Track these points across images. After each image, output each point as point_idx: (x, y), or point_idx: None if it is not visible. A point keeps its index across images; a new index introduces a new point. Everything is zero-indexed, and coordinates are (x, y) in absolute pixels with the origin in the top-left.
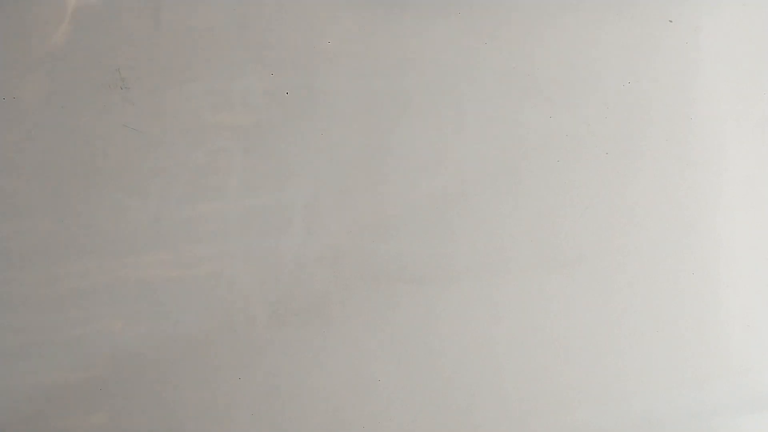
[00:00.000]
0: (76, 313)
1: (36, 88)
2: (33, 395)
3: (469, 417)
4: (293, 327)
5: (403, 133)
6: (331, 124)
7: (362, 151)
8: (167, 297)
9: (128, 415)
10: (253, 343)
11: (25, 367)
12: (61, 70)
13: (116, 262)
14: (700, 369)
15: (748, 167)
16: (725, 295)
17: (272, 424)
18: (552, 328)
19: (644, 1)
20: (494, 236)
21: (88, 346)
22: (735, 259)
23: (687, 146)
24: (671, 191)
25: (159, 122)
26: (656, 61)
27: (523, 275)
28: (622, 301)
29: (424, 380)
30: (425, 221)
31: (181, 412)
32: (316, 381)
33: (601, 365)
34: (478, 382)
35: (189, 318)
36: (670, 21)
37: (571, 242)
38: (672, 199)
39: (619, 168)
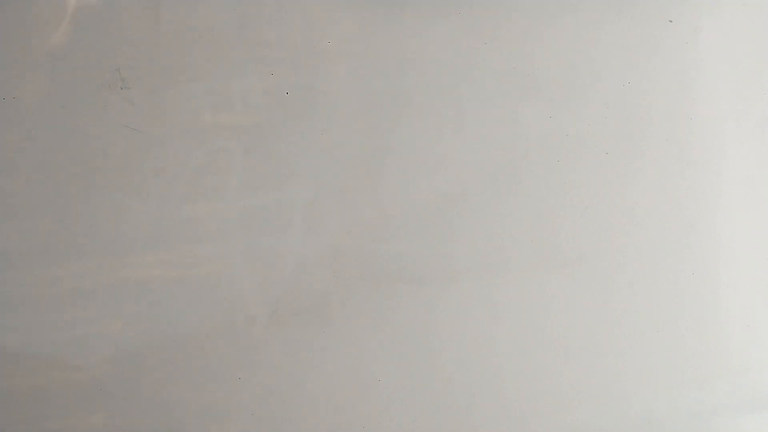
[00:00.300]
0: (76, 313)
1: (36, 88)
2: (33, 395)
3: (469, 417)
4: (293, 327)
5: (403, 133)
6: (331, 124)
7: (362, 151)
8: (167, 297)
9: (128, 415)
10: (253, 343)
11: (25, 367)
12: (61, 70)
13: (116, 262)
14: (700, 369)
15: (748, 167)
16: (725, 295)
17: (272, 424)
18: (552, 328)
19: (644, 1)
20: (494, 236)
21: (88, 346)
22: (735, 259)
23: (687, 146)
24: (671, 191)
25: (159, 122)
26: (656, 61)
27: (523, 275)
28: (622, 301)
29: (424, 380)
30: (425, 221)
31: (181, 412)
32: (316, 381)
33: (601, 365)
34: (478, 382)
35: (189, 318)
36: (670, 21)
37: (571, 242)
38: (672, 199)
39: (619, 168)
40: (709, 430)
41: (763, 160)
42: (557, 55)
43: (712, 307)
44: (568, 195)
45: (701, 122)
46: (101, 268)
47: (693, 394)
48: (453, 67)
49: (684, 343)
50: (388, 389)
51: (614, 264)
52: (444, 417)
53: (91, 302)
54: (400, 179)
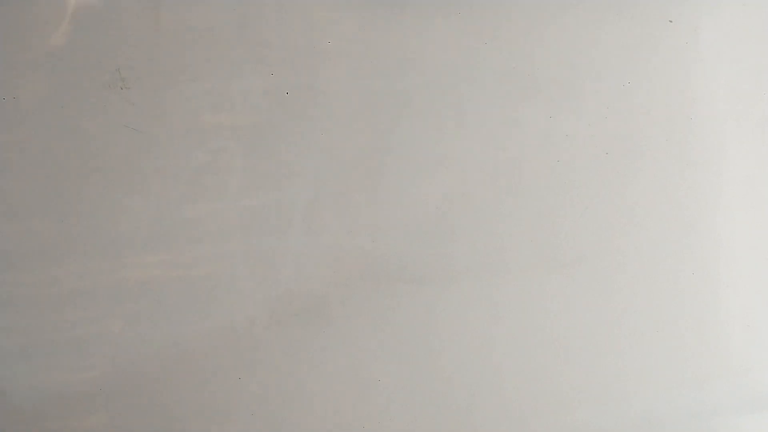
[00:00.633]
0: (76, 313)
1: (36, 88)
2: (32, 396)
3: (469, 417)
4: (293, 327)
5: (403, 133)
6: (331, 124)
7: (362, 151)
8: (167, 297)
9: (128, 416)
10: (253, 343)
11: (25, 368)
12: (61, 70)
13: (116, 262)
14: (700, 369)
15: (748, 167)
16: (725, 295)
17: (272, 424)
18: (552, 328)
19: (644, 1)
20: (494, 236)
21: (88, 346)
22: (735, 259)
23: (687, 146)
24: (671, 191)
25: (159, 122)
26: (656, 61)
27: (523, 275)
28: (622, 301)
29: (424, 380)
30: (425, 221)
31: (181, 412)
32: (316, 381)
33: (601, 365)
34: (478, 382)
35: (189, 318)
36: (670, 21)
37: (571, 242)
38: (672, 199)
39: (619, 168)
40: (709, 430)
41: (763, 160)
42: (557, 55)
43: (712, 307)
44: (568, 195)
45: (701, 122)
46: (101, 268)
47: (693, 394)
48: (453, 67)
49: (684, 343)
50: (388, 389)
51: (614, 264)
52: (444, 417)
53: (91, 302)
54: (400, 179)
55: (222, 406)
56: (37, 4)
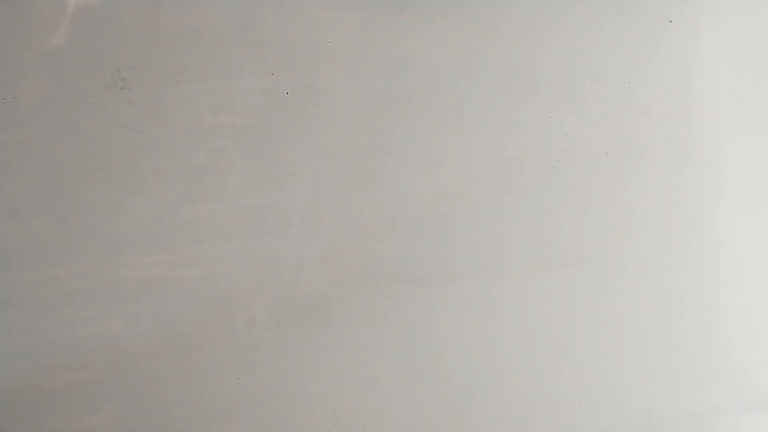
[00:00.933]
0: (76, 313)
1: (36, 88)
2: (32, 396)
3: (469, 417)
4: (293, 327)
5: (403, 133)
6: (331, 124)
7: (362, 151)
8: (167, 297)
9: (128, 416)
10: (253, 343)
11: (25, 368)
12: (61, 70)
13: (116, 262)
14: (700, 369)
15: (748, 167)
16: (725, 295)
17: (272, 424)
18: (552, 328)
19: (644, 1)
20: (494, 236)
21: (88, 346)
22: (735, 259)
23: (687, 146)
24: (671, 191)
25: (159, 122)
26: (656, 61)
27: (523, 275)
28: (622, 301)
29: (424, 380)
30: (425, 221)
31: (181, 412)
32: (316, 381)
33: (601, 365)
34: (478, 382)
35: (189, 318)
36: (670, 21)
37: (571, 242)
38: (672, 199)
39: (619, 168)
40: (709, 430)
41: (763, 160)
42: (557, 55)
43: (712, 307)
44: (568, 195)
45: (701, 122)
46: (101, 268)
47: (693, 394)
48: (453, 67)
49: (684, 343)
50: (388, 389)
51: (614, 264)
52: (444, 417)
53: (91, 302)
54: (400, 179)
55: (222, 406)
56: (37, 4)
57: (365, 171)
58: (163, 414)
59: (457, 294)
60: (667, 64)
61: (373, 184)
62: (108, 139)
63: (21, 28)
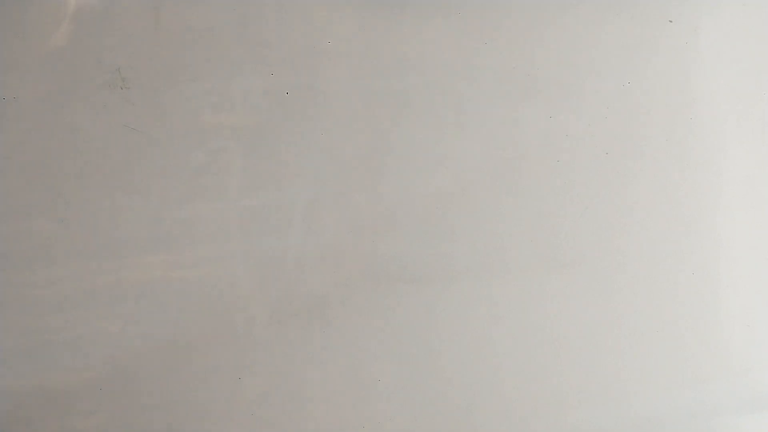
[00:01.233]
0: (76, 313)
1: (36, 88)
2: (32, 396)
3: (469, 417)
4: (293, 327)
5: (403, 133)
6: (331, 124)
7: (362, 151)
8: (167, 297)
9: (128, 416)
10: (253, 343)
11: (25, 368)
12: (61, 70)
13: (116, 262)
14: (700, 369)
15: (748, 167)
16: (725, 295)
17: (272, 424)
18: (552, 328)
19: (644, 1)
20: (494, 236)
21: (88, 346)
22: (735, 259)
23: (687, 146)
24: (671, 191)
25: (159, 122)
26: (656, 61)
27: (523, 275)
28: (622, 301)
29: (424, 380)
30: (425, 221)
31: (181, 412)
32: (316, 381)
33: (601, 365)
34: (478, 382)
35: (189, 318)
36: (670, 21)
37: (571, 242)
38: (672, 199)
39: (619, 168)
40: (709, 430)
41: (763, 160)
42: (557, 55)
43: (712, 307)
44: (568, 195)
45: (701, 122)
46: (101, 268)
47: (693, 394)
48: (453, 67)
49: (684, 343)
50: (388, 389)
51: (614, 264)
52: (444, 417)
53: (91, 303)
54: (400, 179)
55: (222, 406)
56: (37, 4)
57: (365, 171)
58: (163, 414)
59: (457, 294)
60: (667, 64)
61: (373, 184)
62: (108, 139)
63: (21, 28)
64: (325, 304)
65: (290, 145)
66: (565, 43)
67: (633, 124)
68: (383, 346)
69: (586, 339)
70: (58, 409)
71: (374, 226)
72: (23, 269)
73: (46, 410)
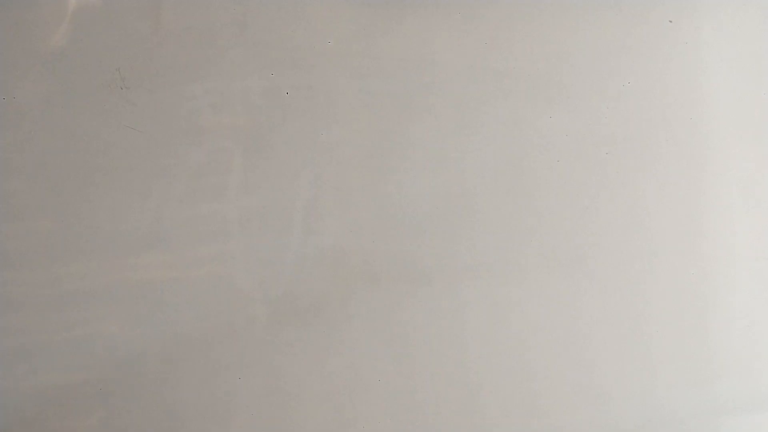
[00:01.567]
0: (75, 313)
1: (36, 88)
2: (32, 396)
3: (469, 417)
4: (293, 327)
5: (402, 133)
6: (331, 124)
7: (362, 151)
8: (167, 297)
9: (128, 416)
10: (253, 343)
11: (25, 368)
12: (61, 70)
13: (116, 262)
14: (701, 369)
15: (748, 167)
16: (725, 295)
17: (272, 424)
18: (552, 328)
19: (644, 1)
20: (494, 236)
21: (88, 346)
22: (735, 259)
23: (687, 146)
24: (671, 191)
25: (159, 122)
26: (656, 61)
27: (522, 275)
28: (622, 301)
29: (424, 380)
30: (425, 221)
31: (181, 412)
32: (316, 381)
33: (601, 365)
34: (478, 382)
35: (189, 318)
36: (670, 21)
37: (571, 242)
38: (672, 199)
39: (619, 168)
40: (709, 430)
41: (763, 160)
42: (557, 55)
43: (712, 307)
44: (568, 195)
45: (701, 122)
46: (101, 268)
47: (693, 394)
48: (453, 66)
49: (684, 343)
50: (388, 389)
51: (614, 264)
52: (444, 417)
53: (91, 302)
54: (400, 179)
55: (222, 406)
56: (37, 5)
57: (365, 171)
58: (163, 414)
59: (457, 294)
60: (667, 64)
61: (373, 184)
62: (108, 139)
63: (21, 28)
64: (325, 304)
65: (290, 145)
66: (565, 43)
67: (633, 124)
68: (383, 346)
69: (586, 339)
70: (58, 409)
71: (374, 226)
72: (22, 269)
73: (46, 410)
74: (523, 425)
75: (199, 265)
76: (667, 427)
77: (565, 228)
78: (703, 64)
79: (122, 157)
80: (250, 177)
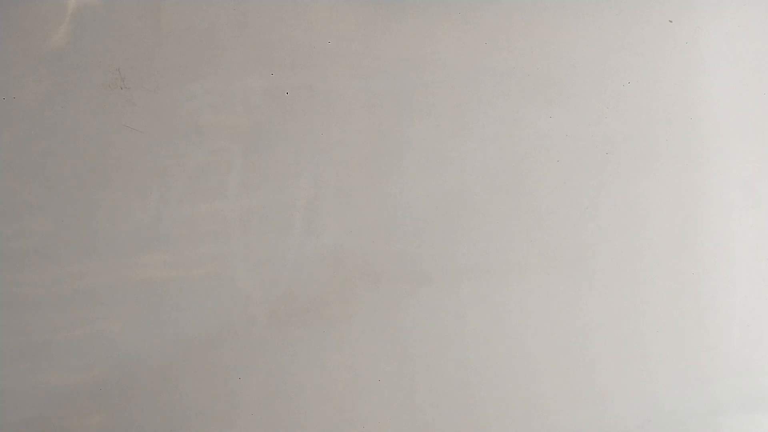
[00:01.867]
0: (76, 313)
1: (36, 88)
2: (33, 396)
3: (469, 417)
4: (293, 327)
5: (403, 133)
6: (331, 124)
7: (362, 151)
8: (167, 297)
9: (128, 416)
10: (253, 343)
11: (25, 369)
12: (61, 70)
13: (116, 262)
14: (701, 369)
15: (748, 167)
16: (725, 295)
17: (272, 424)
18: (552, 328)
19: (644, 1)
20: (494, 236)
21: (88, 346)
22: (735, 259)
23: (687, 146)
24: (671, 191)
25: (159, 122)
26: (656, 61)
27: (523, 275)
28: (622, 301)
29: (424, 380)
30: (425, 221)
31: (182, 412)
32: (316, 381)
33: (601, 365)
34: (479, 382)
35: (189, 318)
36: (670, 21)
37: (571, 242)
38: (672, 198)
39: (619, 168)
40: (709, 429)
41: (763, 160)
42: (557, 55)
43: (712, 307)
44: (568, 195)
45: (701, 122)
46: (101, 268)
47: (694, 394)
48: (453, 66)
49: (684, 343)
50: (388, 389)
51: (614, 264)
52: (444, 417)
53: (91, 302)
54: (400, 179)
55: (222, 406)
56: (37, 4)
57: (365, 171)
58: (163, 414)
59: (458, 294)
60: (667, 64)
61: (373, 184)
62: (108, 139)
63: (21, 28)
64: (325, 304)
65: (290, 145)
66: (565, 43)
67: (633, 124)
68: (383, 346)
69: (586, 339)
70: (58, 409)
71: (374, 226)
72: (23, 269)
73: (47, 410)
74: (523, 425)
75: (199, 265)
76: (667, 427)
77: (565, 228)
78: (703, 64)
79: (122, 157)
80: (250, 177)
